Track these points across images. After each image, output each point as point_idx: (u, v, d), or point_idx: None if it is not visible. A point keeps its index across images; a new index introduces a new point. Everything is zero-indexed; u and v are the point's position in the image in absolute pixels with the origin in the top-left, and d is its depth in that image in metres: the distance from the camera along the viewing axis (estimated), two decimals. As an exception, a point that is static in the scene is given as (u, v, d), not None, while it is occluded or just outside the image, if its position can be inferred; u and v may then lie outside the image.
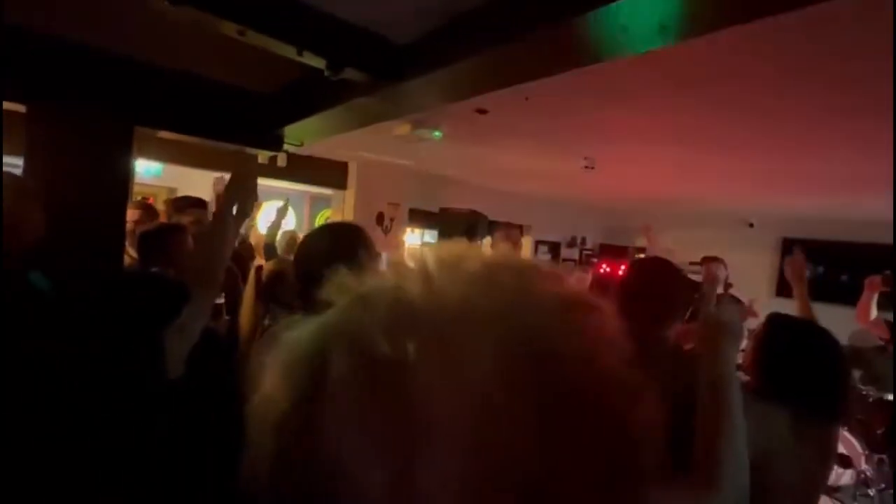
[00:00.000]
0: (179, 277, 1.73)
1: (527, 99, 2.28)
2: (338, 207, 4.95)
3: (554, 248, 6.06)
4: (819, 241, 5.02)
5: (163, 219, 3.25)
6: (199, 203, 3.03)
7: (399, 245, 5.17)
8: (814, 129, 2.43)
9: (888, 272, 2.45)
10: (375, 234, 4.79)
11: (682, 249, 5.57)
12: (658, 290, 1.30)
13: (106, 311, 1.53)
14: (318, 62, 1.61)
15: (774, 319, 1.32)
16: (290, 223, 6.37)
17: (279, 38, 1.47)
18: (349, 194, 4.75)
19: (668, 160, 3.42)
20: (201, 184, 5.52)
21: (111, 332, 1.50)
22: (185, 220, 2.90)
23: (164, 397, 1.38)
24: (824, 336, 1.25)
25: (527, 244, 5.85)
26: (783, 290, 5.10)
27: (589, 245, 6.17)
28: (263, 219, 6.11)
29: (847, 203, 3.99)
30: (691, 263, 5.14)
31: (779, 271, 5.14)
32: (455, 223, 4.27)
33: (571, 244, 6.12)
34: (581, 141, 3.12)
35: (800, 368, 1.16)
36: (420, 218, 5.18)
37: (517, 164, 4.01)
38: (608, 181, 4.20)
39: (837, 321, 2.06)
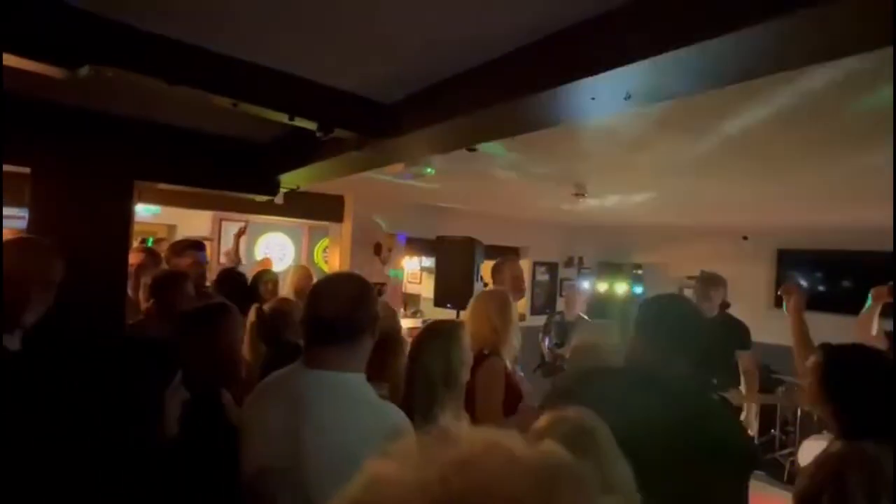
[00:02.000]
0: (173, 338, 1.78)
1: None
2: (336, 239, 5.01)
3: (552, 269, 6.10)
4: (814, 251, 5.07)
5: (164, 262, 3.35)
6: (196, 245, 3.14)
7: (399, 269, 5.21)
8: (809, 153, 2.47)
9: (892, 283, 2.36)
10: (374, 263, 4.84)
11: (678, 263, 5.64)
12: None
13: (109, 374, 1.58)
14: (309, 125, 1.68)
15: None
16: (288, 256, 6.46)
17: (270, 107, 1.55)
18: (345, 227, 4.82)
19: (659, 187, 3.49)
20: (198, 222, 5.61)
21: (114, 393, 1.54)
22: (184, 262, 3.00)
23: (161, 458, 1.41)
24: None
25: (526, 266, 5.90)
26: (780, 301, 5.09)
27: (587, 264, 6.22)
28: (263, 251, 6.18)
29: (841, 213, 4.04)
30: (689, 278, 5.17)
31: (775, 283, 5.17)
32: (452, 250, 4.32)
33: (569, 264, 6.17)
34: (571, 171, 3.19)
35: (879, 398, 1.15)
36: (417, 246, 5.23)
37: (509, 192, 4.09)
38: (601, 206, 4.27)
39: (833, 331, 2.08)
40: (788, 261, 5.28)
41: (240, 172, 2.70)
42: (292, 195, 4.42)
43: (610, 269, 5.71)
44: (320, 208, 4.79)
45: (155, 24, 1.33)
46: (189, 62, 1.39)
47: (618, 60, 1.12)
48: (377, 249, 4.89)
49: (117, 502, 1.31)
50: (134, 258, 2.92)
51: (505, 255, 4.73)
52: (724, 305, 3.29)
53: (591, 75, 1.17)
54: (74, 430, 1.30)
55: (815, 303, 4.91)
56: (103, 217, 2.29)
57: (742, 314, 3.31)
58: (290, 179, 2.72)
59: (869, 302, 2.33)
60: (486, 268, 5.07)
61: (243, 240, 4.35)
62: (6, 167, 2.21)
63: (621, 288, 5.23)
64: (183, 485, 1.41)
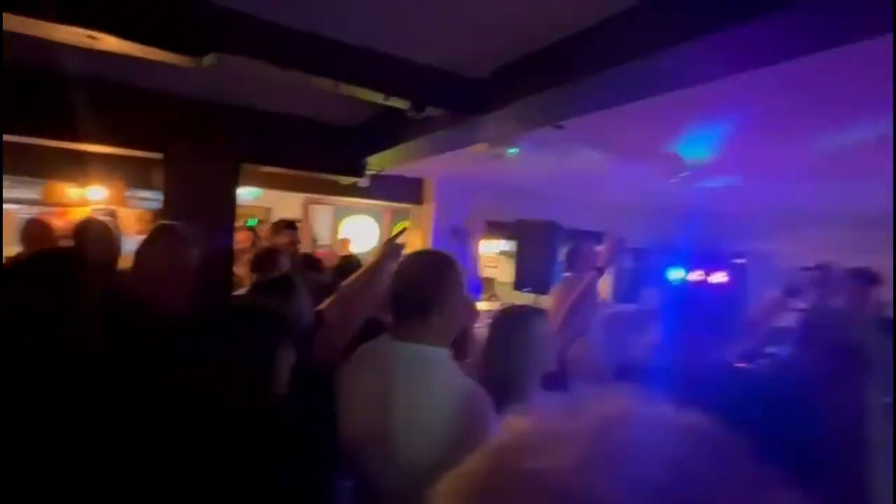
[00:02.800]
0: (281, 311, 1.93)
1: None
2: (416, 221, 5.12)
3: (639, 257, 5.77)
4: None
5: (263, 240, 3.71)
6: (291, 225, 3.51)
7: (476, 257, 5.23)
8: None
9: None
10: (452, 246, 4.89)
11: (791, 252, 5.04)
12: None
13: (224, 338, 1.74)
14: (402, 104, 1.72)
15: None
16: (373, 238, 6.72)
17: (368, 87, 1.60)
18: (426, 209, 4.90)
19: (785, 162, 3.14)
20: (290, 205, 6.02)
21: (230, 356, 1.70)
22: (282, 240, 3.34)
23: (273, 416, 1.53)
24: None
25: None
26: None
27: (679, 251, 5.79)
28: (345, 233, 6.50)
29: None
30: (804, 269, 4.60)
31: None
32: (533, 233, 4.25)
33: (659, 251, 5.79)
34: (669, 146, 2.98)
35: None
36: (497, 229, 5.20)
37: (598, 174, 3.91)
38: (701, 185, 3.94)
39: None
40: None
41: (331, 155, 2.85)
42: (375, 178, 4.59)
43: (704, 257, 5.27)
44: (402, 191, 4.92)
45: (267, 12, 1.42)
46: (297, 47, 1.48)
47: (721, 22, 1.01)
48: (457, 232, 4.93)
49: (241, 455, 1.45)
50: (241, 237, 3.25)
51: (590, 239, 4.56)
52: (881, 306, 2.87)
53: (693, 39, 1.07)
54: (205, 389, 1.46)
55: None
56: (217, 198, 2.53)
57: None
58: (377, 161, 2.81)
59: None
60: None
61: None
62: (144, 153, 2.52)
63: (717, 278, 4.81)
64: (293, 442, 1.53)
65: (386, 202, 5.30)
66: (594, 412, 0.32)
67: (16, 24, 1.25)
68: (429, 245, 4.73)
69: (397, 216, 6.49)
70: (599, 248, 3.05)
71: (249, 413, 1.47)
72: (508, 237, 5.19)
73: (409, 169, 4.50)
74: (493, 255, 6.99)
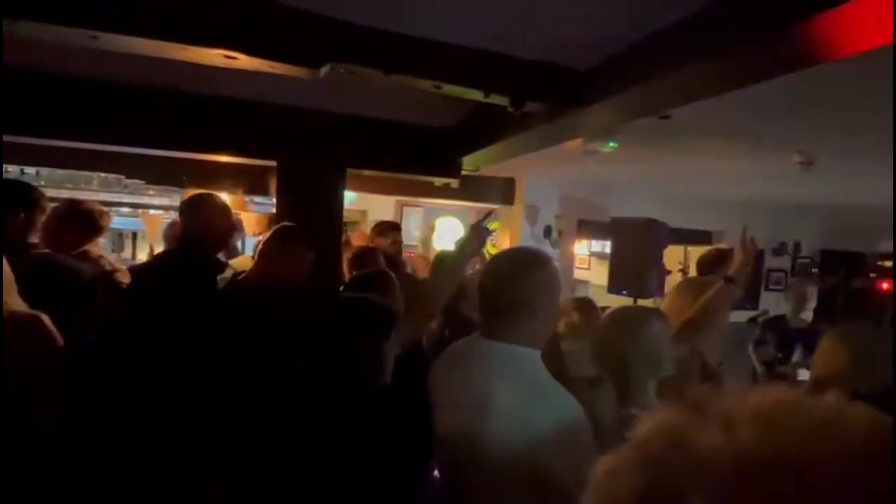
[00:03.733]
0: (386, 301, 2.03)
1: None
2: (506, 222, 5.09)
3: (756, 258, 5.20)
4: None
5: (365, 241, 3.93)
6: (395, 227, 3.69)
7: (569, 257, 5.07)
8: None
9: None
10: (543, 246, 4.79)
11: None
12: None
13: (340, 327, 1.85)
14: (502, 100, 1.71)
15: None
16: (458, 236, 6.81)
17: (469, 85, 1.61)
18: (516, 209, 4.85)
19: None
20: (383, 207, 6.30)
21: (345, 343, 1.81)
22: (385, 241, 3.53)
23: (382, 403, 1.60)
24: None
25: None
26: None
27: (805, 252, 5.11)
28: (439, 234, 6.66)
29: None
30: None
31: None
32: (630, 233, 4.01)
33: (780, 251, 5.15)
34: (792, 136, 2.65)
35: None
36: (589, 228, 5.00)
37: (703, 166, 3.59)
38: (829, 178, 3.46)
39: None
40: None
41: (426, 157, 2.93)
42: (465, 179, 4.64)
43: (838, 259, 4.58)
44: (492, 191, 4.92)
45: (372, 19, 1.49)
46: (401, 50, 1.53)
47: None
48: (547, 232, 4.82)
49: (345, 440, 1.53)
50: (356, 239, 3.50)
51: (693, 238, 4.17)
52: None
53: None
54: (315, 374, 1.57)
55: None
56: (325, 202, 2.72)
57: None
58: (472, 161, 2.83)
59: None
60: (668, 253, 4.59)
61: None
62: (258, 161, 2.79)
63: (858, 283, 4.16)
64: (395, 429, 1.59)
65: (476, 203, 5.34)
66: (764, 397, 0.33)
67: (174, 51, 1.44)
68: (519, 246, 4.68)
69: (484, 215, 6.51)
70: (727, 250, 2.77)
71: (360, 396, 1.55)
72: (601, 237, 4.96)
73: (500, 168, 4.49)
74: (584, 256, 6.73)
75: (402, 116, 2.74)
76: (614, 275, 4.07)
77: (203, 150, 2.71)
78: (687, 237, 4.81)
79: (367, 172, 3.10)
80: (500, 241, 5.37)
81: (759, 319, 3.43)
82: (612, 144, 3.00)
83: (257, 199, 4.00)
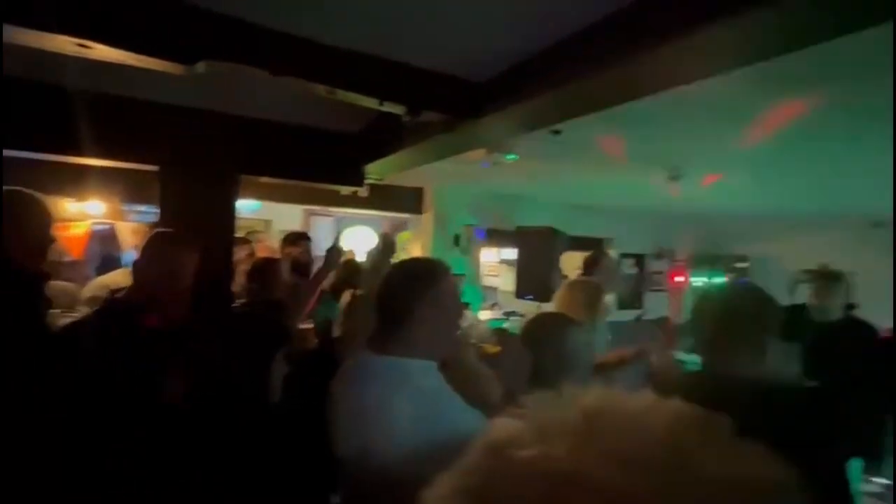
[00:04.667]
0: (280, 315, 1.92)
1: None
2: (416, 231, 5.10)
3: (639, 261, 5.74)
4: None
5: (269, 252, 3.70)
6: (305, 236, 3.55)
7: (478, 264, 5.20)
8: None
9: None
10: (453, 254, 4.86)
11: (792, 255, 5.01)
12: None
13: (225, 344, 1.71)
14: (397, 109, 1.70)
15: None
16: (370, 246, 6.69)
17: (363, 92, 1.58)
18: (426, 218, 4.88)
19: (769, 164, 3.12)
20: (290, 216, 6.00)
21: (229, 361, 1.67)
22: (296, 251, 3.36)
23: (268, 418, 1.51)
24: None
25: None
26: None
27: (680, 255, 5.76)
28: (346, 243, 6.47)
29: None
30: (805, 272, 4.57)
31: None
32: (533, 241, 4.22)
33: (659, 256, 5.76)
34: (666, 152, 2.96)
35: None
36: (497, 237, 5.17)
37: (594, 178, 3.89)
38: (699, 190, 3.92)
39: None
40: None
41: (329, 164, 2.83)
42: (375, 188, 4.58)
43: (706, 261, 5.23)
44: (401, 201, 4.91)
45: (259, 17, 1.41)
46: (290, 52, 1.46)
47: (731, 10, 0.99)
48: (456, 241, 4.90)
49: (228, 451, 1.42)
50: (239, 251, 3.23)
51: (589, 245, 4.50)
52: (849, 307, 2.86)
53: (696, 32, 1.05)
54: (197, 392, 1.42)
55: None
56: (215, 210, 2.50)
57: (876, 316, 2.85)
58: (376, 169, 2.79)
59: None
60: (567, 259, 4.89)
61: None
62: (139, 166, 2.50)
63: (720, 282, 4.78)
64: (283, 444, 1.50)
65: (386, 212, 5.28)
66: (580, 403, 0.34)
67: (8, 34, 1.24)
68: (428, 255, 4.70)
69: (396, 226, 6.48)
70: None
71: (242, 420, 1.45)
72: (509, 245, 5.17)
73: (410, 178, 4.49)
74: (494, 263, 6.95)
75: (302, 121, 2.63)
76: (520, 280, 4.25)
77: (68, 152, 2.37)
78: (583, 244, 5.17)
79: (265, 179, 2.92)
80: (410, 251, 5.37)
81: (644, 317, 3.83)
82: (511, 156, 3.13)
83: (139, 207, 3.61)
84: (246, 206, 5.27)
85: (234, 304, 2.62)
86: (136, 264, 1.62)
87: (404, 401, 1.11)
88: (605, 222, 5.42)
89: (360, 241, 6.59)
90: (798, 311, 2.98)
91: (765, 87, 1.80)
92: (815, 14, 0.98)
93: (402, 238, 6.56)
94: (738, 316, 1.19)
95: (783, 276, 4.88)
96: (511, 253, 5.14)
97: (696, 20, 1.07)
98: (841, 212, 4.67)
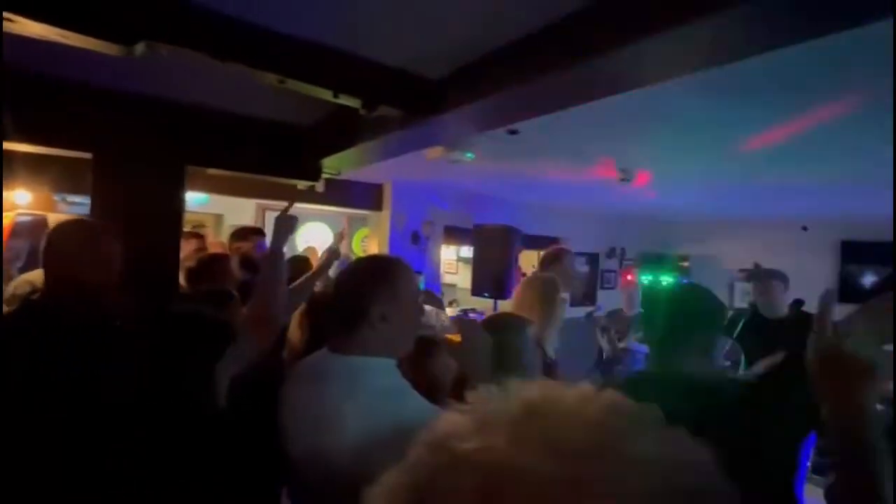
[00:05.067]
0: (225, 317, 1.85)
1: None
2: (374, 228, 5.04)
3: (592, 260, 5.93)
4: (883, 244, 4.70)
5: (220, 248, 3.52)
6: (257, 231, 3.36)
7: (437, 262, 5.20)
8: (868, 129, 2.28)
9: None
10: (411, 252, 4.84)
11: (729, 255, 5.35)
12: None
13: (165, 346, 1.63)
14: (353, 102, 1.66)
15: None
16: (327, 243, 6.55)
17: (316, 83, 1.53)
18: (384, 215, 4.84)
19: (711, 171, 3.30)
20: (243, 210, 5.77)
21: (168, 365, 1.58)
22: (246, 246, 3.19)
23: (211, 427, 1.44)
24: None
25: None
26: (844, 295, 4.81)
27: (630, 255, 6.01)
28: (303, 239, 6.32)
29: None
30: (741, 271, 4.89)
31: (839, 276, 4.84)
32: (490, 239, 4.26)
33: (611, 255, 5.98)
34: (616, 154, 3.06)
35: None
36: (455, 235, 5.20)
37: (551, 178, 3.98)
38: (646, 193, 4.09)
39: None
40: (853, 253, 4.93)
41: (284, 157, 2.74)
42: (333, 184, 4.48)
43: (653, 260, 5.49)
44: (360, 197, 4.84)
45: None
46: (240, 38, 1.39)
47: (684, 17, 1.03)
48: (415, 238, 4.88)
49: (167, 468, 1.35)
50: (188, 246, 3.06)
51: (544, 244, 4.60)
52: (797, 303, 3.07)
53: (653, 35, 1.09)
54: (127, 400, 1.34)
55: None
56: (158, 203, 2.36)
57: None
58: (333, 164, 2.73)
59: None
60: (524, 256, 4.98)
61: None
62: (71, 153, 2.32)
63: (666, 281, 5.02)
64: (229, 455, 1.44)
65: (344, 208, 5.19)
66: (519, 397, 0.34)
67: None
68: (386, 251, 4.66)
69: (355, 222, 6.38)
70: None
71: (185, 424, 1.38)
72: (465, 242, 5.21)
73: (367, 174, 4.43)
74: (453, 261, 6.99)
75: (257, 111, 2.53)
76: (477, 278, 4.28)
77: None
78: (540, 243, 5.29)
79: (213, 171, 2.79)
80: (369, 247, 5.30)
81: (596, 314, 4.04)
82: (469, 155, 3.15)
83: (73, 198, 3.35)
84: (194, 200, 5.03)
85: (178, 302, 2.50)
86: (45, 258, 1.48)
87: (361, 401, 1.09)
88: (560, 222, 5.57)
89: (316, 238, 6.45)
90: (752, 309, 3.17)
91: (711, 95, 1.90)
92: (765, 24, 1.04)
93: (359, 235, 6.47)
94: (685, 315, 1.25)
95: (722, 275, 5.22)
96: (469, 251, 5.18)
97: (647, 27, 1.11)
98: (773, 215, 5.02)
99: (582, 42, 1.26)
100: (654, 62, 1.22)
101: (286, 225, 1.69)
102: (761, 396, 1.16)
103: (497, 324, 1.56)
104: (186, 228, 3.86)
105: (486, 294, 4.16)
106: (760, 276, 3.11)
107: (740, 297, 4.99)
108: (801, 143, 2.55)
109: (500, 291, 3.97)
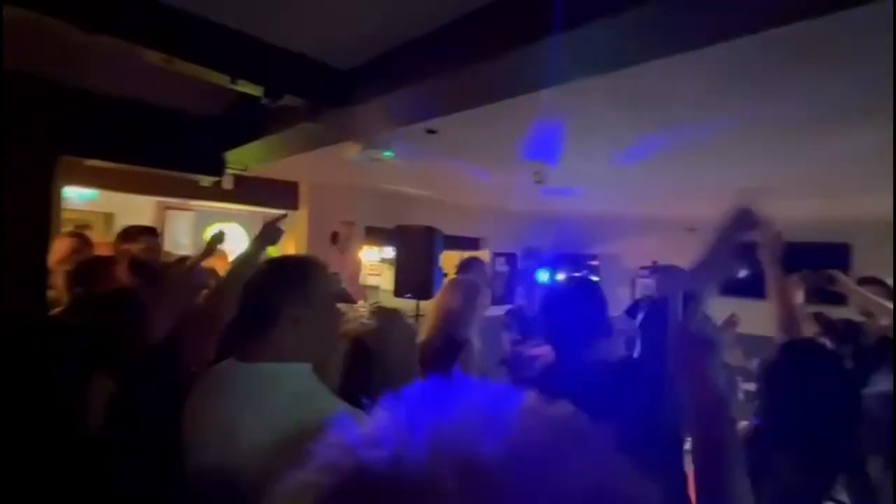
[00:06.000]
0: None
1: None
2: (291, 228, 4.80)
3: (511, 260, 6.13)
4: (754, 243, 5.35)
5: (109, 251, 3.10)
6: (149, 231, 2.96)
7: (356, 264, 5.07)
8: (743, 143, 2.56)
9: (806, 271, 2.59)
10: (331, 253, 4.68)
11: (631, 255, 5.80)
12: None
13: (24, 360, 1.41)
14: (254, 90, 1.55)
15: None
16: (243, 247, 6.14)
17: (209, 66, 1.40)
18: (301, 215, 4.63)
19: (612, 174, 3.54)
20: (140, 210, 5.21)
21: (26, 383, 1.37)
22: (135, 248, 2.82)
23: (81, 451, 1.27)
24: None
25: (484, 256, 5.89)
26: (724, 290, 5.41)
27: (545, 254, 6.29)
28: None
29: (784, 206, 4.26)
30: (642, 268, 5.29)
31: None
32: (411, 240, 4.24)
33: (527, 255, 6.22)
34: (532, 155, 3.17)
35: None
36: (376, 235, 5.11)
37: (471, 179, 4.04)
38: (558, 194, 4.30)
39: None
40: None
41: (181, 149, 2.50)
42: (243, 181, 4.20)
43: (566, 260, 5.80)
44: (274, 195, 4.59)
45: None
46: (112, 7, 1.23)
47: (581, 19, 1.08)
48: (334, 238, 4.73)
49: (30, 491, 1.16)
50: (61, 246, 2.67)
51: (465, 244, 4.67)
52: (687, 296, 3.37)
53: (556, 34, 1.12)
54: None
55: (755, 290, 5.25)
56: (20, 196, 2.05)
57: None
58: (238, 158, 2.54)
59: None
60: (445, 257, 5.01)
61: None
62: None
63: (559, 278, 5.32)
64: (107, 478, 1.27)
65: (257, 207, 4.89)
66: (432, 401, 0.34)
67: None
68: (304, 252, 4.46)
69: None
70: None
71: (53, 447, 1.20)
72: (388, 243, 5.13)
73: (283, 172, 4.21)
74: (376, 262, 6.87)
75: (147, 96, 2.28)
76: (399, 279, 4.23)
77: None
78: (461, 243, 5.36)
79: (93, 163, 2.48)
80: (285, 249, 5.05)
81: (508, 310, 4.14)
82: (388, 153, 3.10)
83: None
84: (78, 196, 4.46)
85: (49, 311, 2.18)
86: None
87: (266, 410, 1.00)
88: (480, 222, 5.69)
89: (228, 240, 6.00)
90: (650, 300, 3.42)
91: (613, 100, 2.02)
92: (654, 31, 1.11)
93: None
94: (578, 307, 1.31)
95: (626, 272, 5.64)
96: (392, 252, 5.11)
97: (543, 30, 1.14)
98: (666, 217, 5.52)
99: (489, 39, 1.27)
100: (555, 63, 1.26)
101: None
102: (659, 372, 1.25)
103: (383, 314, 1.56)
104: (67, 228, 3.40)
105: (408, 295, 4.12)
106: (657, 273, 3.38)
107: (640, 292, 5.42)
108: (692, 151, 2.81)
109: (423, 292, 3.95)
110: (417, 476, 0.29)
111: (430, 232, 4.19)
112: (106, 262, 2.40)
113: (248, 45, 1.48)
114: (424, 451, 0.30)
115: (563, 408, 0.35)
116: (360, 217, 4.88)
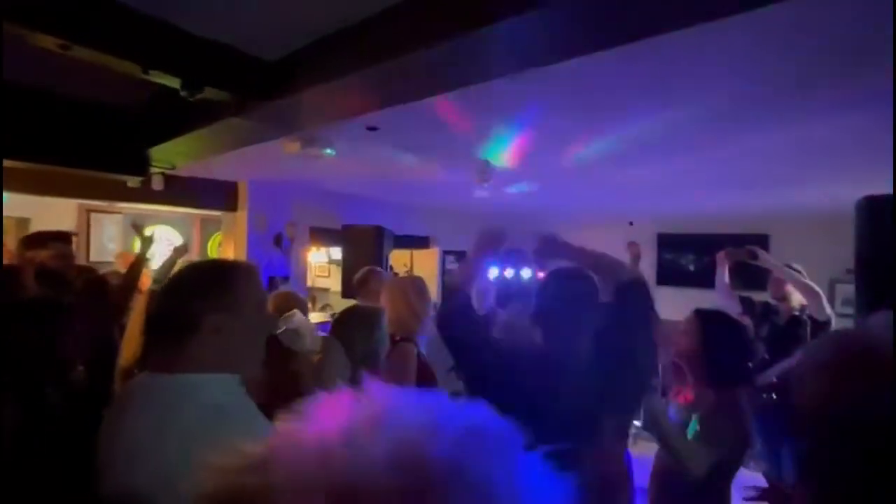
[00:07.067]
0: None
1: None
2: (228, 230, 4.59)
3: (461, 258, 6.15)
4: (688, 235, 5.74)
5: (11, 258, 2.82)
6: (60, 236, 2.69)
7: (304, 265, 4.93)
8: (680, 138, 2.68)
9: (731, 248, 2.85)
10: (274, 256, 4.51)
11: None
12: None
13: None
14: (171, 81, 1.45)
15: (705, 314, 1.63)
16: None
17: (115, 54, 1.29)
18: (240, 216, 4.43)
19: (556, 170, 3.62)
20: (59, 214, 4.79)
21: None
22: (42, 255, 2.56)
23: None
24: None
25: (434, 255, 5.88)
26: (661, 280, 5.75)
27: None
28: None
29: (715, 199, 4.53)
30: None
31: (657, 263, 5.80)
32: (359, 239, 4.16)
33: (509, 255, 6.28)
34: (474, 154, 3.19)
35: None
36: (323, 236, 4.97)
37: (416, 177, 4.02)
38: (503, 193, 4.36)
39: (705, 304, 2.35)
40: (666, 243, 5.93)
41: (100, 146, 2.31)
42: (175, 181, 3.96)
43: (514, 257, 5.92)
44: (210, 196, 4.37)
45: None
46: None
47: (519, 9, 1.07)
48: (278, 240, 4.56)
49: None
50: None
51: (415, 243, 4.64)
52: None
53: (493, 23, 1.11)
54: None
55: (690, 280, 5.63)
56: None
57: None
58: (163, 155, 2.38)
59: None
60: (394, 256, 4.96)
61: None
62: None
63: (526, 275, 5.43)
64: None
65: (191, 209, 4.63)
66: (363, 407, 0.33)
67: None
68: (243, 257, 4.26)
69: (209, 225, 5.74)
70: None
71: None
72: (333, 244, 5.01)
73: (219, 171, 4.00)
74: (324, 264, 6.70)
75: (58, 86, 2.08)
76: (347, 280, 4.14)
77: None
78: (410, 242, 5.32)
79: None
80: (225, 252, 4.81)
81: None
82: (329, 151, 3.02)
83: None
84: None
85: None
86: None
87: (181, 425, 0.92)
88: (428, 221, 5.67)
89: (160, 244, 5.67)
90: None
91: (548, 96, 2.05)
92: (575, 28, 1.12)
93: (215, 240, 5.85)
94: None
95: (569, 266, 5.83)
96: (338, 252, 5.00)
97: (489, 16, 1.12)
98: (608, 211, 5.75)
99: (429, 26, 1.24)
100: (500, 52, 1.26)
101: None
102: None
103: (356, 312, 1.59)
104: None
105: (357, 296, 4.04)
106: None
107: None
108: (627, 148, 2.92)
109: (370, 293, 3.89)
110: (345, 483, 0.28)
111: (377, 231, 4.13)
112: (11, 271, 2.20)
113: (160, 32, 1.38)
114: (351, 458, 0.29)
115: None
116: (304, 218, 4.74)
